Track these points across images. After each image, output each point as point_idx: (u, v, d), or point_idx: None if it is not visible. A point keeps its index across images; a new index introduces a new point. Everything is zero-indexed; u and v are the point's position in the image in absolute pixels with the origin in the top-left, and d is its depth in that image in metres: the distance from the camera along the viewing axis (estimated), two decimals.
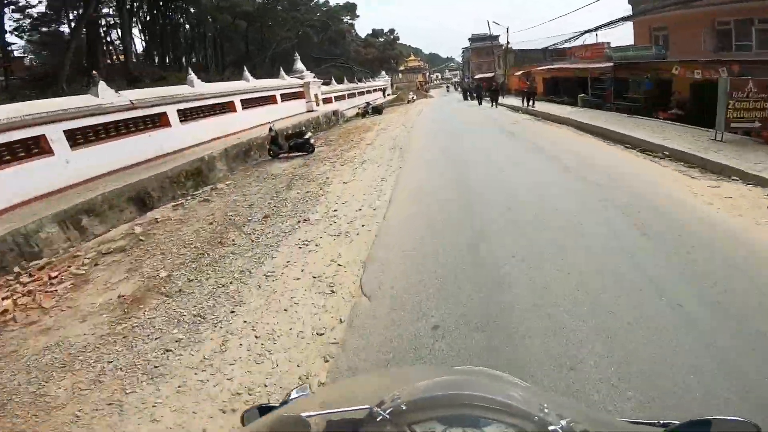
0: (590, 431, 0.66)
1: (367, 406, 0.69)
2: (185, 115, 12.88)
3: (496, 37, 64.53)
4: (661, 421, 0.88)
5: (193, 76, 13.79)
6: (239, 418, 1.15)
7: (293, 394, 1.15)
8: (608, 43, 17.49)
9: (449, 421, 0.65)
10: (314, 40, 46.20)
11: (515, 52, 32.78)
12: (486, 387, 0.86)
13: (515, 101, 26.23)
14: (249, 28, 44.24)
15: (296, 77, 22.65)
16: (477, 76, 48.10)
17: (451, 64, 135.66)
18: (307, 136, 11.65)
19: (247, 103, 16.52)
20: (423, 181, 7.57)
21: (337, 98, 28.91)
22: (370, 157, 10.33)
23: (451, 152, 10.00)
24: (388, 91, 52.08)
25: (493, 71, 46.45)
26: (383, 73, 51.91)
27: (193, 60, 41.97)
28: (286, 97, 20.28)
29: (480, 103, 24.92)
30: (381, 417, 0.65)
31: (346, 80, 33.70)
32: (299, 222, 6.08)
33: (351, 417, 0.71)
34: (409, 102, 37.47)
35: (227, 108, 15.20)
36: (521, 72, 27.91)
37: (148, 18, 38.05)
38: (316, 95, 23.23)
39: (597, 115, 13.08)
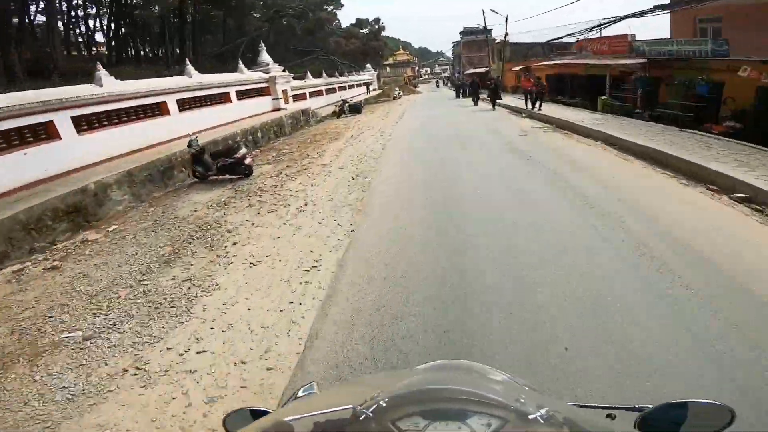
0: (571, 419, 0.67)
1: (350, 406, 0.70)
2: (87, 124, 9.54)
3: (490, 31, 61.81)
4: (637, 405, 0.91)
5: (102, 72, 10.31)
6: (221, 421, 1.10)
7: (300, 393, 1.18)
8: (632, 36, 14.48)
9: (432, 415, 0.64)
10: (295, 30, 42.41)
11: (511, 46, 29.69)
12: (466, 381, 0.92)
13: (514, 101, 23.17)
14: (227, 19, 40.34)
15: (260, 71, 19.19)
16: (469, 71, 44.95)
17: (441, 58, 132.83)
18: (240, 154, 8.37)
19: (187, 104, 13.12)
20: (384, 297, 3.56)
21: (313, 94, 25.47)
22: (315, 197, 6.84)
23: (442, 195, 6.23)
24: (374, 85, 48.67)
25: (486, 66, 43.44)
26: (369, 66, 48.38)
27: (175, 52, 38.02)
28: (244, 95, 16.85)
29: (476, 103, 21.54)
30: (364, 415, 0.66)
31: (325, 74, 30.22)
32: (120, 375, 2.88)
33: (336, 417, 0.71)
34: (394, 99, 34.14)
35: (156, 111, 11.79)
36: (520, 67, 24.86)
37: (114, 8, 34.16)
38: (284, 91, 19.81)
39: (633, 127, 9.94)
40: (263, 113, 18.01)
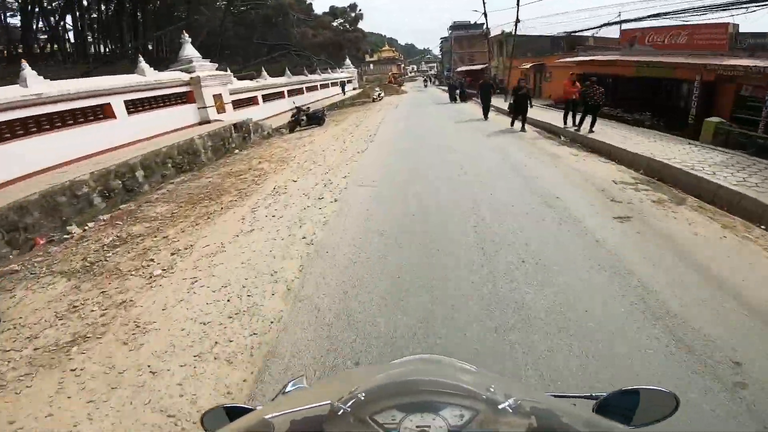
0: (538, 407, 0.71)
1: (328, 402, 0.70)
2: None
3: (481, 26, 56.70)
4: (593, 394, 0.99)
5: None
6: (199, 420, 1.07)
7: (289, 387, 1.21)
8: (734, 26, 9.35)
9: (407, 408, 0.66)
10: (253, 21, 36.33)
11: (514, 39, 24.50)
12: (438, 373, 0.94)
13: (500, 99, 18.54)
14: (190, 11, 34.10)
15: (179, 69, 13.49)
16: (460, 69, 39.74)
17: (428, 56, 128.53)
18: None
19: (27, 126, 7.49)
20: None
21: (269, 98, 19.78)
22: None
23: None
24: (354, 84, 43.05)
25: (482, 63, 38.16)
26: (348, 63, 42.71)
27: (148, 47, 32.01)
28: (143, 106, 11.16)
29: (486, 117, 14.75)
30: (342, 410, 0.67)
31: (289, 72, 24.54)
32: None
33: (314, 414, 0.72)
34: (374, 100, 28.61)
35: None
36: (531, 64, 19.66)
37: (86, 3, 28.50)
38: (217, 97, 14.15)
39: None
40: (182, 128, 12.34)
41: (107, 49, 35.43)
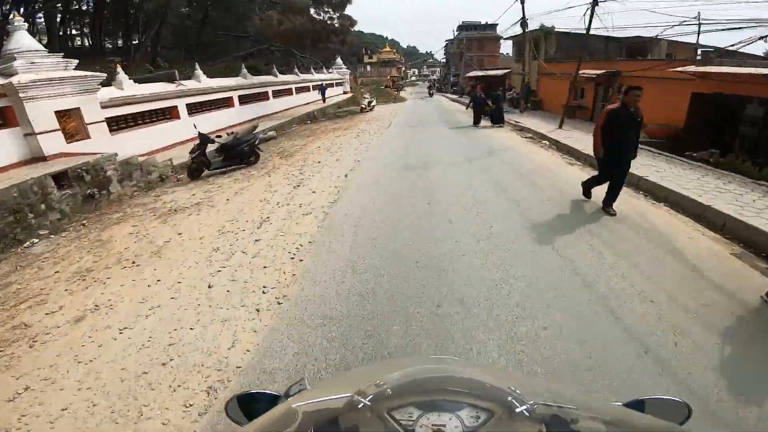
0: (556, 411, 0.69)
1: (348, 395, 0.72)
2: None
3: (493, 26, 50.71)
4: (613, 403, 0.96)
5: None
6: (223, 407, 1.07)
7: (293, 390, 1.19)
8: None
9: (425, 406, 0.66)
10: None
11: (556, 37, 18.33)
12: (458, 373, 0.92)
13: (550, 126, 13.22)
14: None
15: None
16: (472, 74, 33.64)
17: (430, 60, 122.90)
18: None
19: None
20: None
21: (198, 108, 13.48)
22: None
23: None
24: (347, 87, 36.85)
25: (495, 67, 32.00)
26: (339, 62, 36.50)
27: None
28: None
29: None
30: (362, 404, 0.68)
31: (245, 72, 18.30)
32: None
33: (334, 406, 0.73)
34: (362, 110, 22.41)
35: None
36: (600, 72, 13.52)
37: None
38: (66, 114, 7.94)
39: None
40: None
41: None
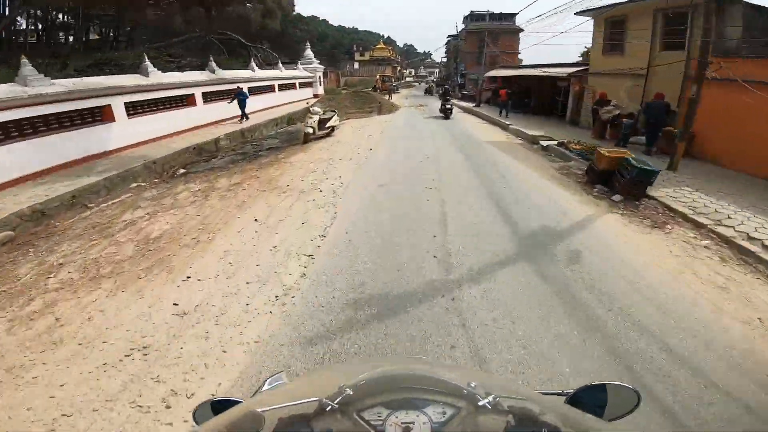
0: (516, 403, 0.75)
1: (316, 398, 0.72)
2: None
3: (511, 16, 41.05)
4: (564, 391, 1.05)
5: None
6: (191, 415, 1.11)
7: (268, 382, 1.22)
8: None
9: (393, 405, 0.68)
10: None
11: (742, 9, 8.33)
12: (421, 371, 0.97)
13: None
14: None
15: None
16: (494, 73, 23.80)
17: (428, 60, 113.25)
18: None
19: None
20: None
21: None
22: None
23: None
24: (318, 89, 26.83)
25: (510, 65, 21.82)
26: (309, 55, 26.56)
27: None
28: None
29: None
30: (330, 407, 0.68)
31: (148, 65, 8.67)
32: None
33: (302, 410, 0.73)
34: (308, 138, 11.53)
35: None
36: None
37: None
38: None
39: None
40: None
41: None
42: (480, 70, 32.28)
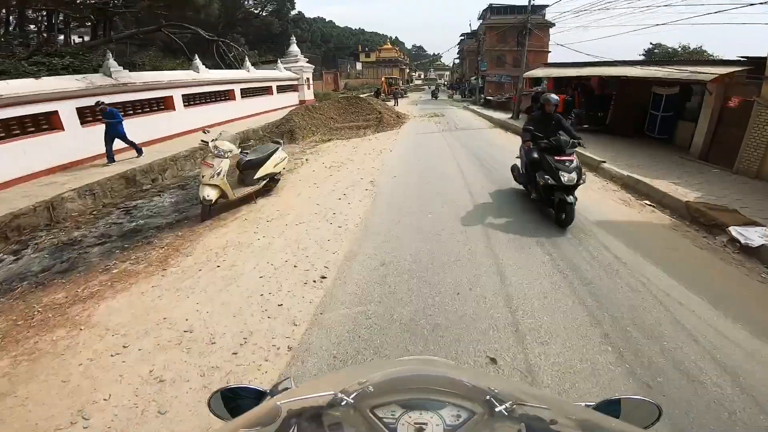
0: (532, 412, 0.70)
1: (331, 392, 0.72)
2: None
3: (540, 8, 35.18)
4: (582, 404, 0.98)
5: None
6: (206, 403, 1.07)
7: (279, 387, 1.18)
8: None
9: (408, 404, 0.67)
10: None
11: None
12: (439, 373, 0.96)
13: None
14: None
15: None
16: (537, 73, 17.95)
17: (437, 62, 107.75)
18: None
19: None
20: None
21: None
22: None
23: None
24: (304, 93, 21.24)
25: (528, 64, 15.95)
26: (295, 51, 21.02)
27: None
28: None
29: None
30: (345, 401, 0.68)
31: None
32: None
33: (318, 403, 0.73)
34: (205, 212, 5.52)
35: None
36: None
37: None
38: None
39: None
40: None
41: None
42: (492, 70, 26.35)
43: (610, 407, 0.94)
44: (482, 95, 29.15)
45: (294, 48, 21.35)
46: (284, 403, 0.76)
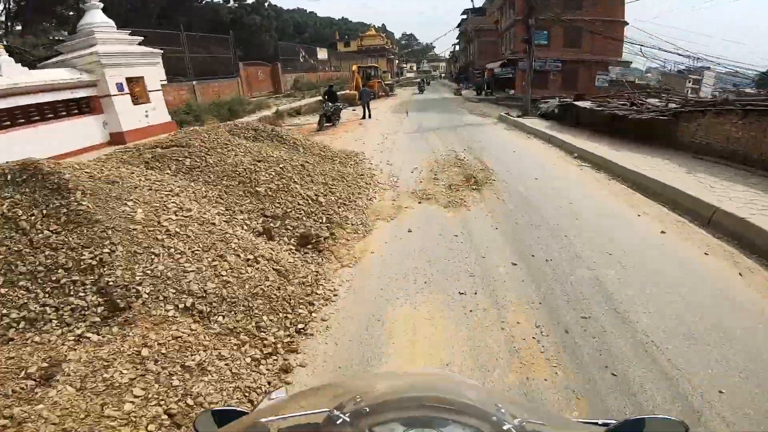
0: (543, 429, 0.68)
1: (326, 410, 0.68)
2: None
3: None
4: (600, 422, 0.92)
5: None
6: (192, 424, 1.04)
7: (268, 399, 1.16)
8: None
9: (409, 422, 0.64)
10: None
11: None
12: (444, 389, 0.89)
13: None
14: None
15: None
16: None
17: (431, 53, 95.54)
18: None
19: None
20: None
21: None
22: None
23: None
24: (90, 135, 9.18)
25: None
26: (91, 23, 8.88)
27: None
28: None
29: None
30: (341, 420, 0.64)
31: None
32: None
33: (311, 421, 0.70)
34: None
35: None
36: None
37: None
38: None
39: None
40: None
41: None
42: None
43: (633, 428, 0.82)
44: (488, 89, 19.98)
45: (93, 17, 9.03)
46: (273, 421, 0.71)
